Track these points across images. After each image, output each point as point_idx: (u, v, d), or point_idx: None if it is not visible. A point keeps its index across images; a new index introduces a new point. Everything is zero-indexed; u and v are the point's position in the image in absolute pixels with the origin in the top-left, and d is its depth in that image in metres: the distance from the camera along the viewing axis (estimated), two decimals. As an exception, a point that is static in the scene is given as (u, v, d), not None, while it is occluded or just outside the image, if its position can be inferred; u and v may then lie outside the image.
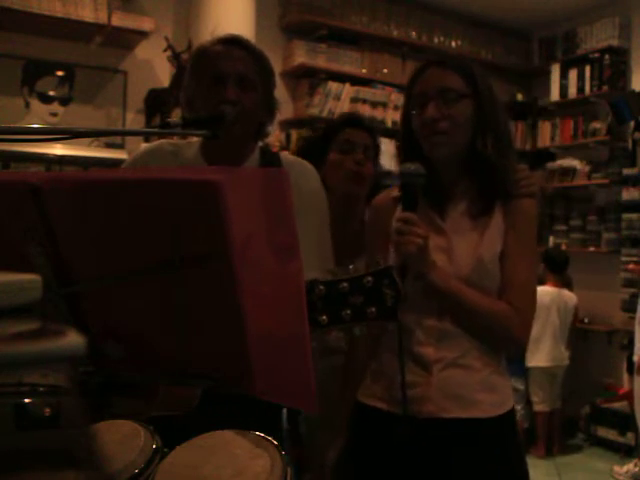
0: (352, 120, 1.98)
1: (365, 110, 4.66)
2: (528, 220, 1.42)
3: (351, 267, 1.01)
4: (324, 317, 0.97)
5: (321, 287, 0.98)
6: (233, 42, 1.51)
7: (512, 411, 1.42)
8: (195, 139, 1.59)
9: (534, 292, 1.43)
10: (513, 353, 1.57)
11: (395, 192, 1.52)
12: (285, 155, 1.66)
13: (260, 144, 1.61)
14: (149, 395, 0.95)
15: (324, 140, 1.96)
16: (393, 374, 1.37)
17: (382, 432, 1.41)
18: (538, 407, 4.61)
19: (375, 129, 2.00)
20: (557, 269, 4.60)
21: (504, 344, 1.43)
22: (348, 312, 0.97)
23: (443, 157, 1.42)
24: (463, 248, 1.40)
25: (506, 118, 1.49)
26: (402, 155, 1.49)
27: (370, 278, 0.96)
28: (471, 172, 1.43)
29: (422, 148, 1.43)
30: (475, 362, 1.38)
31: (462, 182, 1.44)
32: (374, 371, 1.47)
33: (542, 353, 4.53)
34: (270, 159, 1.57)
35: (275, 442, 0.94)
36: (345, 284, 0.97)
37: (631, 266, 4.67)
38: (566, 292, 4.63)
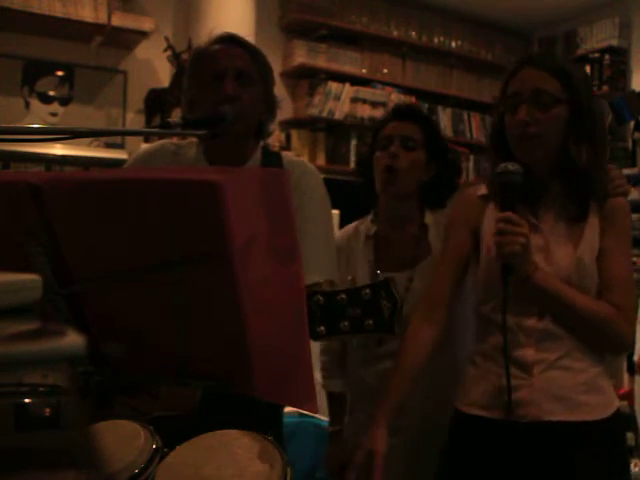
0: (394, 113, 1.85)
1: (365, 110, 4.66)
2: (623, 218, 1.40)
3: (349, 278, 1.02)
4: (322, 328, 0.98)
5: (320, 297, 0.99)
6: (229, 40, 1.52)
7: (618, 412, 1.38)
8: (197, 139, 1.59)
9: (633, 289, 1.39)
10: (620, 352, 1.53)
11: (482, 190, 1.49)
12: (287, 155, 1.66)
13: (261, 144, 1.61)
14: (150, 395, 0.95)
15: (372, 142, 1.84)
16: (493, 379, 1.35)
17: (487, 440, 1.37)
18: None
19: (420, 116, 1.83)
20: None
21: (609, 344, 1.40)
22: (346, 324, 0.97)
23: (534, 161, 1.38)
24: (561, 248, 1.37)
25: (603, 121, 1.45)
26: (493, 156, 1.45)
27: (368, 290, 0.97)
28: (563, 175, 1.39)
29: (513, 150, 1.40)
30: (577, 363, 1.35)
31: (553, 184, 1.41)
32: (472, 377, 1.43)
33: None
34: (272, 159, 1.57)
35: (275, 442, 0.94)
36: (343, 295, 0.98)
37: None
38: None
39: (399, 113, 1.83)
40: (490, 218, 1.43)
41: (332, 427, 1.88)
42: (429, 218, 1.76)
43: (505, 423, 1.32)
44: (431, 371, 1.60)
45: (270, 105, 1.56)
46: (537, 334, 1.35)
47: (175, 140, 1.59)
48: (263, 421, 1.07)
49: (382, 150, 1.75)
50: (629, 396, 4.50)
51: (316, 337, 0.98)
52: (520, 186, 1.31)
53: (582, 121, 1.36)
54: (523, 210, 1.38)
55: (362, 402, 1.77)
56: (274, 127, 1.67)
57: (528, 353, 1.35)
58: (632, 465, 4.09)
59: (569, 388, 1.33)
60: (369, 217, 1.84)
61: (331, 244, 1.55)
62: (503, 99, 1.42)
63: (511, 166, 1.31)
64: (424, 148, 1.76)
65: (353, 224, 1.90)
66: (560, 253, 1.36)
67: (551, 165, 1.40)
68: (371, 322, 0.96)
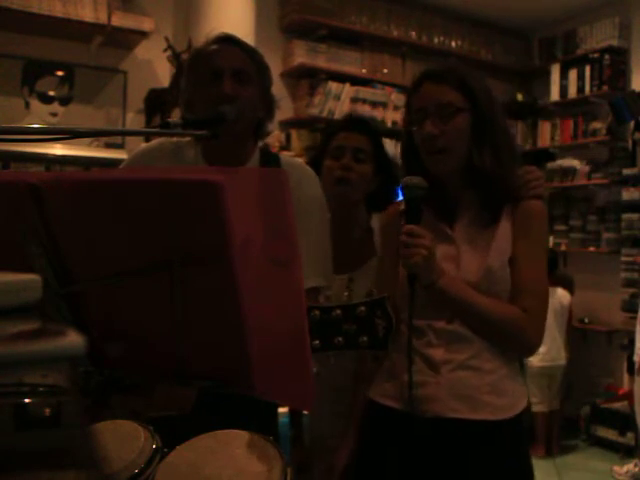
0: (345, 123, 1.94)
1: (365, 110, 4.66)
2: (537, 222, 1.43)
3: (346, 294, 1.05)
4: (317, 342, 1.00)
5: (316, 312, 1.00)
6: (226, 40, 1.52)
7: (520, 415, 1.41)
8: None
9: (546, 295, 1.44)
10: (526, 356, 1.57)
11: (402, 206, 1.52)
12: (285, 157, 1.66)
13: (260, 144, 1.61)
14: (146, 395, 0.95)
15: (322, 147, 1.92)
16: (404, 374, 1.38)
17: (393, 430, 1.43)
18: (537, 408, 4.61)
19: (370, 129, 1.92)
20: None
21: (517, 347, 1.44)
22: (340, 339, 0.99)
23: (445, 173, 1.43)
24: (471, 256, 1.41)
25: (506, 123, 1.49)
26: (405, 168, 1.51)
27: (363, 308, 0.99)
28: (472, 183, 1.44)
29: (424, 162, 1.44)
30: (486, 364, 1.39)
31: (467, 192, 1.46)
32: (386, 370, 1.49)
33: (539, 353, 4.53)
34: (270, 160, 1.57)
35: (275, 442, 0.94)
36: (339, 311, 0.99)
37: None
38: (559, 291, 4.62)
39: (351, 124, 1.91)
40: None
41: (293, 431, 1.92)
42: (375, 221, 1.83)
43: (410, 416, 1.37)
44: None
45: (268, 104, 1.56)
46: (447, 336, 1.40)
47: (174, 139, 1.59)
48: (262, 421, 1.08)
49: (333, 159, 1.83)
50: (629, 396, 4.51)
51: (311, 350, 0.99)
52: (423, 199, 1.35)
53: (483, 127, 1.41)
54: (437, 221, 1.45)
55: (325, 402, 1.79)
56: (273, 127, 1.67)
57: (437, 353, 1.40)
58: (632, 465, 4.10)
59: (474, 388, 1.38)
60: None
61: (327, 248, 1.56)
62: (409, 114, 1.48)
63: (414, 179, 1.35)
64: (372, 160, 1.85)
65: None
66: (470, 261, 1.41)
67: (462, 172, 1.44)
68: (365, 339, 0.98)
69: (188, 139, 1.57)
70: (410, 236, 1.32)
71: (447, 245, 1.42)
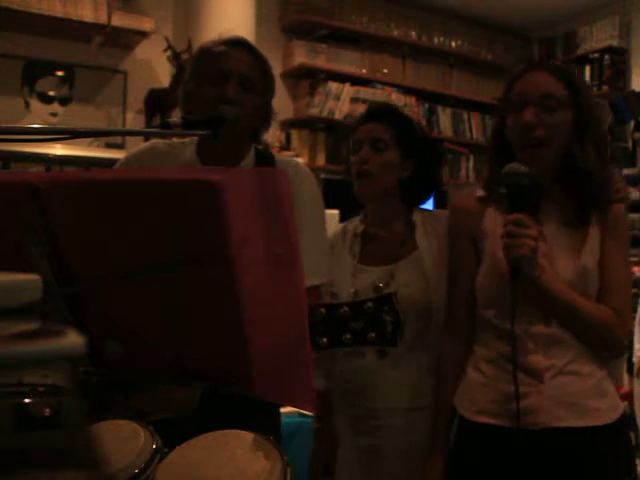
0: (363, 116, 1.85)
1: (365, 110, 4.65)
2: (623, 225, 1.41)
3: (352, 290, 1.03)
4: (324, 339, 0.98)
5: (322, 310, 0.99)
6: (239, 44, 1.52)
7: (623, 416, 1.38)
8: (190, 139, 1.59)
9: (630, 294, 1.43)
10: (615, 357, 1.52)
11: (479, 193, 1.47)
12: (280, 156, 1.66)
13: (257, 146, 1.61)
14: (148, 397, 0.95)
15: (347, 148, 1.86)
16: (501, 386, 1.34)
17: (496, 449, 1.36)
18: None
19: (389, 115, 1.81)
20: None
21: (607, 346, 1.40)
22: (348, 336, 0.97)
23: (541, 168, 1.37)
24: (564, 255, 1.37)
25: (604, 125, 1.46)
26: (492, 160, 1.44)
27: (370, 304, 0.97)
28: (566, 180, 1.39)
29: (515, 154, 1.38)
30: (585, 368, 1.35)
31: (555, 188, 1.40)
32: (479, 385, 1.42)
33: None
34: (265, 160, 1.57)
35: (275, 442, 0.94)
36: (346, 308, 0.98)
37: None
38: None
39: (369, 115, 1.84)
40: (491, 221, 1.43)
41: (317, 424, 1.89)
42: (417, 216, 1.78)
43: (514, 431, 1.31)
44: (417, 369, 1.63)
45: (267, 115, 1.56)
46: (545, 340, 1.35)
47: (168, 140, 1.59)
48: (262, 421, 1.07)
49: (354, 154, 1.77)
50: (629, 396, 4.50)
51: (319, 348, 0.98)
52: (527, 188, 1.29)
53: (587, 126, 1.36)
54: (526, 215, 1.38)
55: (343, 402, 1.78)
56: (272, 126, 1.66)
57: (537, 359, 1.34)
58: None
59: (578, 393, 1.33)
60: (359, 217, 1.87)
61: (324, 246, 1.56)
62: (507, 100, 1.41)
63: (519, 167, 1.29)
64: (396, 146, 1.75)
65: (342, 224, 1.93)
66: (563, 260, 1.36)
67: (555, 168, 1.39)
68: (373, 335, 0.96)
69: (182, 140, 1.57)
70: (517, 226, 1.26)
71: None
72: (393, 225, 1.80)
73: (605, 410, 1.34)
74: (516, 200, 1.30)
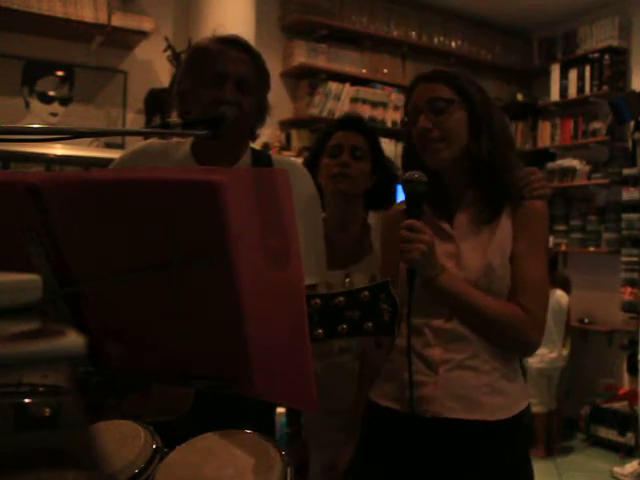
0: (341, 123, 1.96)
1: (365, 110, 4.66)
2: (539, 222, 1.44)
3: (347, 280, 1.01)
4: (320, 331, 0.96)
5: (317, 300, 0.97)
6: (234, 43, 1.50)
7: (520, 415, 1.41)
8: (185, 139, 1.58)
9: (546, 293, 1.43)
10: (526, 355, 1.53)
11: (403, 205, 1.53)
12: (277, 156, 1.66)
13: (254, 146, 1.61)
14: (142, 398, 0.95)
15: (318, 147, 1.94)
16: (403, 374, 1.39)
17: (393, 431, 1.43)
18: (535, 408, 4.61)
19: (367, 127, 1.95)
20: None
21: (516, 347, 1.43)
22: (344, 326, 0.96)
23: (443, 163, 1.44)
24: (471, 254, 1.41)
25: (503, 120, 1.50)
26: (405, 168, 1.51)
27: (367, 292, 0.95)
28: (475, 179, 1.45)
29: (424, 160, 1.45)
30: (484, 365, 1.39)
31: (469, 190, 1.46)
32: (387, 371, 1.49)
33: (537, 355, 4.53)
34: (262, 160, 1.56)
35: (275, 442, 0.94)
36: (341, 298, 0.96)
37: None
38: (557, 292, 4.62)
39: (347, 123, 1.94)
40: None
41: (289, 428, 1.93)
42: (372, 218, 1.87)
43: (410, 417, 1.38)
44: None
45: (262, 111, 1.56)
46: (445, 335, 1.40)
47: (164, 140, 1.58)
48: (258, 421, 1.08)
49: (331, 158, 1.86)
50: (629, 396, 4.51)
51: (314, 340, 0.97)
52: (424, 194, 1.36)
53: (479, 120, 1.42)
54: (436, 218, 1.45)
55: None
56: (272, 126, 1.67)
57: (435, 352, 1.40)
58: (637, 464, 4.09)
59: (471, 388, 1.37)
60: None
61: (320, 246, 1.56)
62: (406, 116, 1.50)
63: (414, 174, 1.35)
64: (369, 158, 1.88)
65: None
66: (469, 258, 1.41)
67: (463, 168, 1.45)
68: (370, 325, 0.95)
69: (177, 140, 1.57)
70: (410, 231, 1.32)
71: (447, 243, 1.42)
72: (350, 228, 1.90)
73: (498, 407, 1.37)
74: (412, 205, 1.37)
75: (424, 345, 1.41)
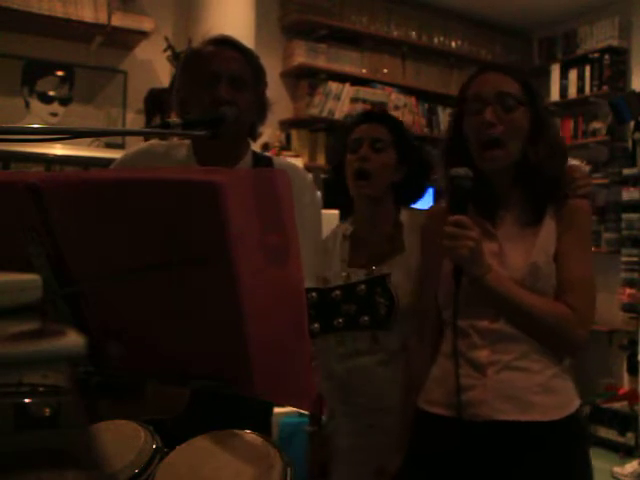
0: (361, 117, 1.89)
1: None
2: (583, 219, 1.40)
3: (344, 274, 1.00)
4: (316, 325, 0.96)
5: (313, 294, 0.97)
6: (225, 43, 1.51)
7: (576, 414, 1.38)
8: (186, 140, 1.58)
9: (592, 291, 1.40)
10: (572, 354, 1.53)
11: (445, 203, 1.49)
12: (278, 159, 1.66)
13: (254, 148, 1.61)
14: (136, 398, 0.95)
15: (341, 145, 1.87)
16: (450, 378, 1.35)
17: (443, 438, 1.39)
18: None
19: (388, 117, 1.87)
20: None
21: (563, 346, 1.40)
22: (340, 320, 0.95)
23: (498, 168, 1.39)
24: (515, 253, 1.38)
25: (556, 127, 1.47)
26: (448, 161, 1.45)
27: (363, 286, 0.94)
28: (523, 181, 1.40)
29: (472, 156, 1.39)
30: (533, 365, 1.35)
31: (514, 190, 1.42)
32: (434, 377, 1.45)
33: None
34: (262, 162, 1.57)
35: (274, 442, 0.94)
36: (338, 292, 0.96)
37: None
38: None
39: (367, 116, 1.87)
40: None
41: (310, 427, 1.91)
42: (404, 216, 1.80)
43: (460, 421, 1.34)
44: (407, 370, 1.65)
45: (262, 108, 1.55)
46: (491, 336, 1.37)
47: (165, 141, 1.59)
48: (255, 421, 1.08)
49: (352, 153, 1.78)
50: (629, 396, 4.50)
51: (310, 334, 0.96)
52: (470, 191, 1.32)
53: (540, 125, 1.38)
54: (479, 217, 1.40)
55: (338, 402, 1.79)
56: (272, 126, 1.67)
57: (482, 354, 1.36)
58: (637, 464, 4.09)
59: (523, 389, 1.34)
60: (349, 219, 1.88)
61: (320, 250, 1.56)
62: (463, 102, 1.43)
63: (462, 171, 1.32)
64: (393, 149, 1.78)
65: (334, 227, 1.94)
66: (514, 258, 1.37)
67: (511, 171, 1.41)
68: (367, 318, 0.93)
69: (180, 140, 1.57)
70: (457, 227, 1.28)
71: (489, 242, 1.38)
72: (382, 226, 1.82)
73: (551, 407, 1.34)
74: (457, 202, 1.34)
75: (470, 347, 1.36)
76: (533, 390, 1.34)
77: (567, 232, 1.37)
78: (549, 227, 1.39)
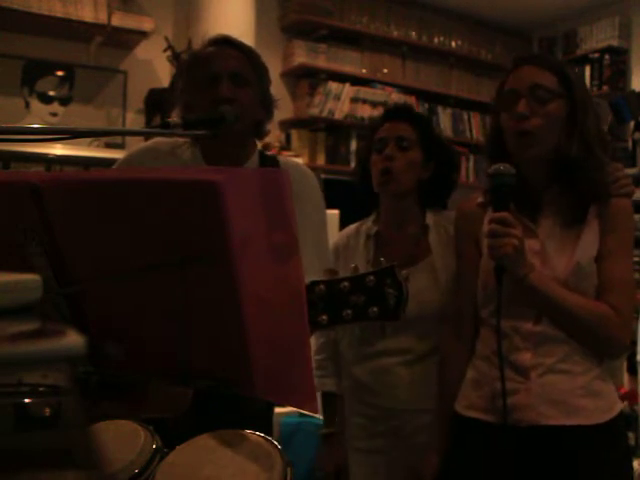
0: (386, 115, 1.85)
1: (365, 110, 4.66)
2: (626, 220, 1.38)
3: (352, 266, 0.98)
4: (324, 317, 0.94)
5: (321, 286, 0.95)
6: (223, 42, 1.52)
7: (619, 417, 1.37)
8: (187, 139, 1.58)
9: (633, 292, 1.38)
10: (615, 356, 1.49)
11: (480, 198, 1.48)
12: (283, 158, 1.66)
13: (259, 148, 1.61)
14: (138, 398, 0.95)
15: (367, 145, 1.84)
16: (491, 383, 1.33)
17: (484, 444, 1.36)
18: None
19: (413, 115, 1.82)
20: None
21: (605, 346, 1.38)
22: (349, 312, 0.93)
23: (531, 158, 1.37)
24: (558, 251, 1.35)
25: (599, 119, 1.43)
26: (489, 158, 1.44)
27: (372, 277, 0.93)
28: (561, 177, 1.38)
29: (509, 150, 1.38)
30: (576, 367, 1.33)
31: (552, 187, 1.40)
32: (471, 380, 1.43)
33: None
34: (269, 162, 1.57)
35: (275, 442, 0.94)
36: (346, 283, 0.94)
37: None
38: None
39: (392, 114, 1.82)
40: (487, 222, 1.42)
41: (326, 429, 1.86)
42: (430, 219, 1.75)
43: (503, 427, 1.30)
44: (426, 373, 1.62)
45: (267, 104, 1.55)
46: (534, 338, 1.34)
47: (171, 139, 1.59)
48: (255, 421, 1.07)
49: (377, 153, 1.75)
50: (629, 396, 4.50)
51: (318, 327, 0.94)
52: (512, 187, 1.29)
53: (576, 117, 1.35)
54: (520, 215, 1.37)
55: (357, 403, 1.77)
56: (272, 126, 1.66)
57: (525, 357, 1.33)
58: (637, 464, 4.09)
59: (567, 392, 1.32)
60: (371, 218, 1.84)
61: (326, 250, 1.56)
62: (500, 98, 1.42)
63: (503, 167, 1.29)
64: (419, 147, 1.75)
65: (355, 224, 1.89)
66: (557, 257, 1.35)
67: (549, 167, 1.38)
68: (376, 309, 0.92)
69: (185, 139, 1.57)
70: (501, 224, 1.26)
71: (530, 239, 1.34)
72: (407, 227, 1.78)
73: (595, 410, 1.32)
74: (500, 199, 1.31)
75: (512, 349, 1.34)
76: (577, 393, 1.32)
77: (609, 233, 1.35)
78: (592, 227, 1.36)
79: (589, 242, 1.35)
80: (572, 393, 1.32)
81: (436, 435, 1.54)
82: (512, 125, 1.36)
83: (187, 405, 1.01)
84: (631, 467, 1.40)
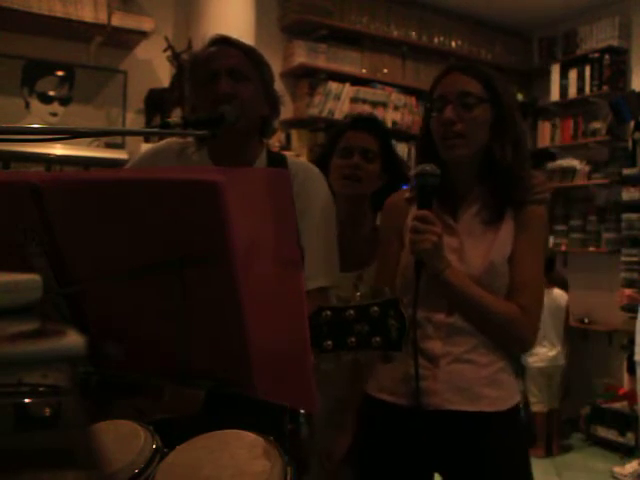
0: (353, 123, 1.95)
1: (365, 110, 4.65)
2: (539, 226, 1.47)
3: (358, 294, 1.04)
4: (329, 342, 0.99)
5: (328, 312, 1.00)
6: (222, 41, 1.52)
7: (517, 407, 1.47)
8: (188, 139, 1.58)
9: (541, 293, 1.49)
10: (521, 352, 1.58)
11: (408, 193, 1.56)
12: (291, 157, 1.66)
13: (266, 145, 1.61)
14: (154, 397, 0.95)
15: (329, 146, 1.95)
16: (402, 367, 1.40)
17: (394, 424, 1.45)
18: (536, 407, 4.61)
19: (378, 128, 1.94)
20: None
21: (512, 343, 1.47)
22: (353, 339, 0.99)
23: (458, 159, 1.45)
24: (475, 250, 1.43)
25: (523, 126, 1.52)
26: (419, 157, 1.53)
27: (376, 308, 0.98)
28: (486, 178, 1.46)
29: (438, 151, 1.46)
30: (482, 358, 1.42)
31: (476, 187, 1.48)
32: (383, 365, 1.49)
33: (537, 353, 4.54)
34: (277, 161, 1.56)
35: (275, 442, 0.94)
36: (351, 311, 0.99)
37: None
38: (556, 291, 4.62)
39: (358, 123, 1.94)
40: (411, 218, 1.49)
41: (289, 426, 1.93)
42: (379, 220, 1.84)
43: (411, 409, 1.39)
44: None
45: (272, 101, 1.55)
46: (445, 328, 1.42)
47: (182, 139, 1.59)
48: (265, 422, 1.07)
49: (342, 158, 1.87)
50: (629, 396, 4.50)
51: (323, 351, 1.00)
52: (436, 187, 1.37)
53: (505, 123, 1.44)
54: (441, 212, 1.45)
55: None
56: (278, 124, 1.66)
57: (436, 346, 1.42)
58: (636, 464, 4.09)
59: (471, 380, 1.40)
60: None
61: (334, 249, 1.55)
62: (430, 102, 1.50)
63: (428, 167, 1.37)
64: (379, 159, 1.88)
65: None
66: (473, 254, 1.43)
67: (475, 166, 1.46)
68: (378, 339, 0.98)
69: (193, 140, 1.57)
70: (422, 222, 1.34)
71: (449, 237, 1.43)
72: (359, 229, 1.90)
73: (497, 399, 1.41)
74: (424, 197, 1.38)
75: (424, 338, 1.42)
76: (481, 382, 1.41)
77: (523, 235, 1.44)
78: (508, 228, 1.44)
79: (503, 243, 1.43)
80: (476, 382, 1.40)
81: (347, 416, 1.66)
82: (440, 129, 1.44)
83: (199, 406, 1.01)
84: (527, 451, 1.53)
